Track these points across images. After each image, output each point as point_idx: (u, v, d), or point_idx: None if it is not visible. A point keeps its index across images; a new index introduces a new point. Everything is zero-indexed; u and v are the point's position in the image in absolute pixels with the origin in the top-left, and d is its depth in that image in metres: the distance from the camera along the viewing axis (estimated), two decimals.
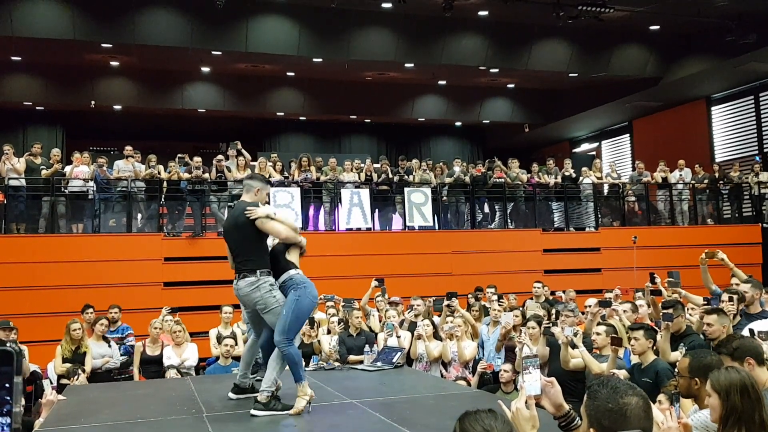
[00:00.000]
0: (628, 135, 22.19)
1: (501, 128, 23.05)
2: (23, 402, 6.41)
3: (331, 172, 13.90)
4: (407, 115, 21.20)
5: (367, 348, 7.41)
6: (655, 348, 5.44)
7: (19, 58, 16.64)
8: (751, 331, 4.95)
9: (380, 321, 8.78)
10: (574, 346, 6.06)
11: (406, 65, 17.45)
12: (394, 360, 7.02)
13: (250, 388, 5.32)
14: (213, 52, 16.31)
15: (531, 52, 17.23)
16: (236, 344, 7.86)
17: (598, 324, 6.48)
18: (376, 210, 13.92)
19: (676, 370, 4.26)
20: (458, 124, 23.08)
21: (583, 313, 8.69)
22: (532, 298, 10.62)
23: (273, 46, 15.83)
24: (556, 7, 14.31)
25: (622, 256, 13.68)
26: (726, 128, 18.90)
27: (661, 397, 4.44)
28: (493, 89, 20.75)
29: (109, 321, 8.63)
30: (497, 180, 14.43)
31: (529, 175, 14.94)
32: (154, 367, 7.97)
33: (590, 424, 2.23)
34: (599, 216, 15.27)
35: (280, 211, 5.14)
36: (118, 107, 19.01)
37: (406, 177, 14.06)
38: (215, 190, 12.72)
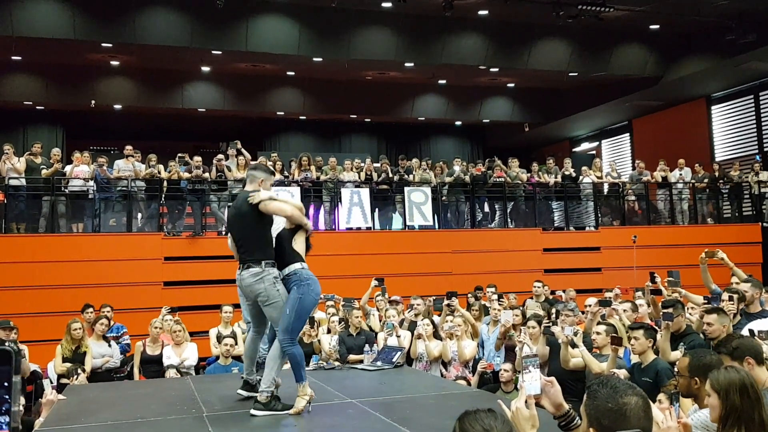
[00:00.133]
0: (628, 134, 22.18)
1: (501, 127, 23.05)
2: (23, 401, 6.41)
3: (331, 171, 13.90)
4: (407, 114, 21.20)
5: (367, 347, 7.40)
6: (655, 347, 5.44)
7: (20, 58, 16.63)
8: (751, 331, 4.95)
9: (380, 320, 8.78)
10: (574, 346, 6.06)
11: (406, 64, 17.45)
12: (394, 359, 7.02)
13: (259, 383, 5.25)
14: (213, 52, 16.31)
15: (531, 52, 17.23)
16: (236, 344, 7.86)
17: (598, 323, 6.49)
18: (376, 209, 13.92)
19: (675, 369, 4.26)
20: (458, 123, 23.08)
21: (583, 312, 8.70)
22: (532, 298, 10.63)
23: (273, 46, 15.83)
24: (556, 6, 14.31)
25: (622, 256, 13.68)
26: (726, 127, 18.90)
27: (661, 396, 4.44)
28: (493, 88, 20.74)
29: (94, 320, 8.62)
30: (497, 179, 14.44)
31: (529, 174, 14.94)
32: (154, 366, 7.97)
33: (590, 423, 2.23)
34: (599, 215, 15.27)
35: (283, 194, 5.07)
36: (118, 107, 19.01)
37: (406, 176, 14.06)
38: (215, 190, 12.73)
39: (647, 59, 17.75)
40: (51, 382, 8.19)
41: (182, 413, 5.01)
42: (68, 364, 7.71)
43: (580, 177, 15.17)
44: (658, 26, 16.71)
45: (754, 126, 18.04)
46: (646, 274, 7.97)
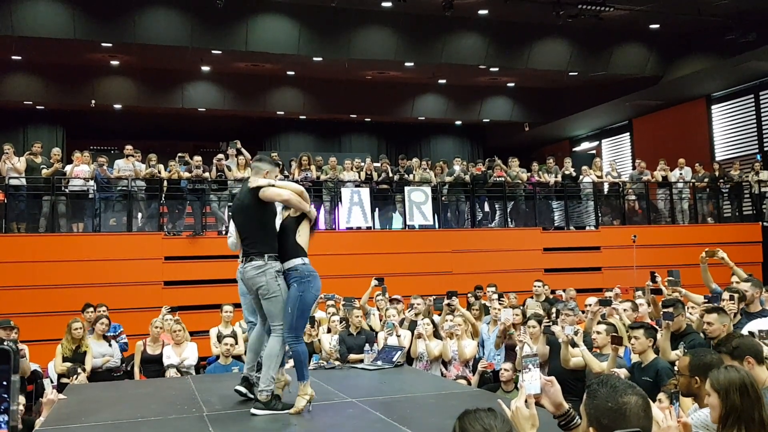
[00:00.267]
0: (628, 134, 22.18)
1: (501, 127, 23.05)
2: (24, 401, 6.42)
3: (331, 171, 13.90)
4: (407, 114, 21.21)
5: (367, 347, 7.40)
6: (655, 347, 5.44)
7: (20, 58, 16.65)
8: (751, 333, 4.95)
9: (380, 320, 8.78)
10: (574, 345, 6.06)
11: (406, 64, 17.45)
12: (394, 359, 7.02)
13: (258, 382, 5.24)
14: (213, 52, 16.32)
15: (531, 51, 17.23)
16: (236, 343, 7.87)
17: (599, 323, 6.49)
18: (376, 209, 13.92)
19: (676, 368, 4.26)
20: (458, 123, 23.08)
21: (583, 311, 8.70)
22: (532, 297, 10.63)
23: (273, 46, 15.84)
24: (556, 6, 14.32)
25: (622, 255, 13.68)
26: (726, 127, 18.89)
27: (661, 395, 4.44)
28: (493, 88, 20.75)
29: (96, 319, 8.62)
30: (497, 179, 14.44)
31: (529, 173, 14.94)
32: (154, 366, 7.97)
33: (589, 422, 2.23)
34: (599, 215, 15.26)
35: (283, 182, 5.04)
36: (118, 106, 19.02)
37: (406, 176, 14.06)
38: (215, 190, 12.73)
39: (647, 59, 17.75)
40: (51, 382, 8.19)
41: (182, 413, 5.01)
42: (68, 364, 7.70)
43: (581, 176, 15.16)
44: (658, 26, 16.72)
45: (754, 125, 18.03)
46: (646, 273, 7.96)
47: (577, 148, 24.16)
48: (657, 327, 5.94)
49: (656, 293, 7.37)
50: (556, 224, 15.09)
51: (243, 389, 5.07)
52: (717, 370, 3.22)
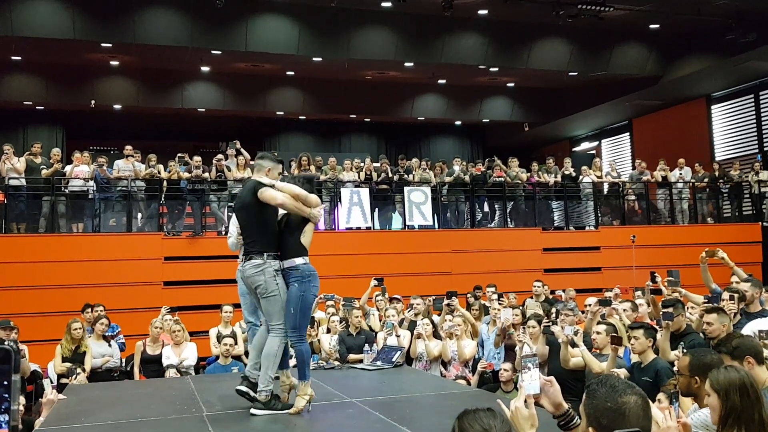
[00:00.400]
0: (628, 134, 22.18)
1: (501, 127, 23.05)
2: (24, 401, 6.42)
3: (330, 171, 13.90)
4: (407, 114, 21.21)
5: (366, 347, 7.41)
6: (655, 347, 5.45)
7: (19, 58, 16.65)
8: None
9: (380, 320, 8.78)
10: (574, 345, 6.06)
11: (406, 64, 17.45)
12: (393, 359, 7.02)
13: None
14: (213, 52, 16.32)
15: (531, 51, 17.23)
16: (236, 343, 7.87)
17: (598, 323, 6.49)
18: (376, 209, 13.92)
19: (675, 368, 4.26)
20: (458, 123, 23.08)
21: (583, 312, 8.70)
22: (531, 297, 10.63)
23: (273, 46, 15.84)
24: (555, 5, 14.32)
25: (621, 255, 13.68)
26: (726, 127, 18.90)
27: (660, 396, 4.44)
28: (492, 88, 20.75)
29: (95, 319, 8.64)
30: (497, 179, 14.44)
31: (528, 174, 14.94)
32: (154, 366, 7.97)
33: (589, 422, 2.23)
34: (599, 215, 15.26)
35: (284, 183, 5.02)
36: (118, 107, 19.02)
37: (405, 176, 14.05)
38: (215, 190, 12.73)
39: (647, 59, 17.76)
40: (51, 382, 8.19)
41: (182, 413, 5.01)
42: (68, 364, 7.71)
43: (580, 177, 15.16)
44: (658, 26, 16.72)
45: (754, 125, 18.04)
46: (646, 273, 7.96)
47: (576, 148, 24.16)
48: (657, 327, 5.94)
49: (656, 293, 7.36)
50: (555, 224, 15.09)
51: (244, 388, 5.01)
52: (717, 370, 3.22)
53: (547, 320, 7.09)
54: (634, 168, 16.63)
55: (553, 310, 8.06)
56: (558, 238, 14.67)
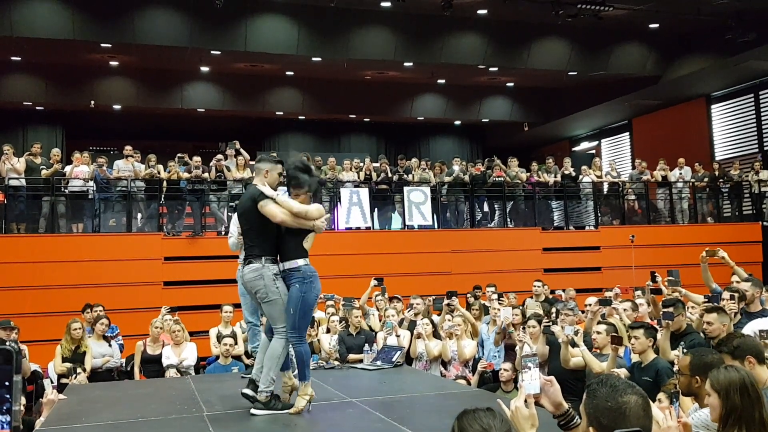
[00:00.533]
0: (627, 133, 22.17)
1: (500, 127, 23.04)
2: (24, 401, 6.42)
3: (330, 171, 13.91)
4: (406, 114, 21.20)
5: (366, 347, 7.41)
6: (655, 347, 5.45)
7: (19, 58, 16.64)
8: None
9: (380, 320, 8.79)
10: (574, 345, 6.07)
11: (406, 64, 17.45)
12: (393, 359, 7.02)
13: None
14: (212, 52, 16.32)
15: (530, 51, 17.23)
16: (236, 343, 7.87)
17: (599, 323, 6.49)
18: (376, 209, 13.92)
19: (676, 368, 4.26)
20: (457, 122, 23.08)
21: (583, 311, 8.70)
22: (531, 297, 10.63)
23: (272, 46, 15.84)
24: (555, 5, 14.32)
25: (621, 255, 13.68)
26: (726, 126, 18.89)
27: (660, 395, 4.44)
28: (492, 88, 20.75)
29: (94, 320, 8.65)
30: (497, 179, 14.44)
31: (528, 173, 14.94)
32: (154, 366, 7.98)
33: (589, 422, 2.23)
34: (599, 214, 15.27)
35: (285, 196, 4.99)
36: (117, 107, 19.01)
37: (405, 176, 14.06)
38: (215, 190, 12.74)
39: (647, 58, 17.76)
40: (51, 382, 8.19)
41: (183, 413, 5.01)
42: (68, 364, 7.71)
43: (580, 176, 15.16)
44: (657, 25, 16.72)
45: (754, 125, 18.04)
46: (645, 273, 7.97)
47: (576, 148, 24.16)
48: (657, 327, 5.94)
49: (656, 293, 7.37)
50: (555, 224, 15.10)
51: (250, 392, 4.96)
52: (717, 370, 3.22)
53: (547, 320, 7.09)
54: (633, 168, 16.64)
55: (553, 309, 8.06)
56: (558, 238, 14.68)
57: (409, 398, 5.63)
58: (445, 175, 14.53)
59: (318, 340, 7.98)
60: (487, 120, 22.12)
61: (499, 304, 8.46)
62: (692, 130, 19.24)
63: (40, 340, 9.36)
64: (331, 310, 8.82)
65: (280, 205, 4.82)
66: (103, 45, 15.64)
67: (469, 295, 10.21)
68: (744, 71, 16.94)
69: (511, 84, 20.50)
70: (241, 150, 13.00)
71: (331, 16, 15.35)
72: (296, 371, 4.99)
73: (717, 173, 15.89)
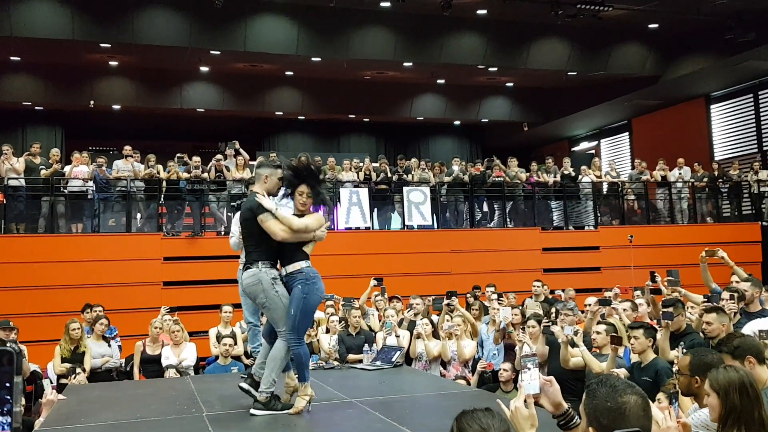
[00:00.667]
0: (627, 133, 22.18)
1: (500, 127, 23.04)
2: (23, 402, 6.42)
3: (329, 171, 13.91)
4: (406, 114, 21.20)
5: (366, 347, 7.41)
6: (654, 347, 5.45)
7: (18, 58, 16.63)
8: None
9: (379, 320, 8.79)
10: (574, 345, 6.07)
11: (405, 64, 17.45)
12: (393, 359, 7.02)
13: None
14: (212, 52, 16.31)
15: (530, 51, 17.23)
16: (235, 344, 7.87)
17: (598, 323, 6.49)
18: (375, 209, 13.92)
19: (675, 368, 4.26)
20: (457, 123, 23.07)
21: (582, 311, 8.70)
22: (531, 297, 10.63)
23: (272, 46, 15.83)
24: (554, 5, 14.32)
25: (621, 255, 13.68)
26: (725, 126, 18.90)
27: (660, 395, 4.45)
28: (491, 88, 20.75)
29: (94, 320, 8.65)
30: (496, 179, 14.44)
31: (528, 173, 14.95)
32: (154, 366, 7.97)
33: (589, 422, 2.23)
34: (598, 214, 15.27)
35: (284, 210, 4.96)
36: (117, 107, 19.00)
37: (404, 176, 14.06)
38: (214, 190, 12.74)
39: (646, 58, 17.76)
40: (51, 382, 8.19)
41: (182, 413, 5.01)
42: (67, 365, 7.71)
43: (579, 176, 15.17)
44: (657, 25, 16.72)
45: (754, 125, 18.05)
46: (644, 273, 7.97)
47: (576, 148, 24.16)
48: (657, 327, 5.94)
49: (656, 293, 7.37)
50: (555, 224, 15.10)
51: (246, 386, 4.98)
52: (716, 370, 3.22)
53: (547, 320, 7.10)
54: (633, 168, 16.64)
55: (553, 310, 8.07)
56: (557, 238, 14.68)
57: (409, 398, 5.64)
58: (444, 175, 14.53)
59: (317, 341, 7.98)
60: (486, 120, 22.11)
61: (499, 304, 8.46)
62: (692, 130, 19.25)
63: (40, 340, 9.37)
64: (330, 311, 8.82)
65: (280, 221, 4.79)
66: (102, 45, 15.63)
67: (468, 295, 10.21)
68: (743, 71, 16.95)
69: (511, 84, 20.50)
70: (241, 150, 13.00)
71: (330, 16, 15.35)
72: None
73: (716, 173, 15.90)
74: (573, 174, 15.18)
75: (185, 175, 12.57)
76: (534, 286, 10.73)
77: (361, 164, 14.33)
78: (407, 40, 16.45)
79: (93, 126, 20.42)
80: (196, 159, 12.74)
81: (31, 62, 17.00)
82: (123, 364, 8.52)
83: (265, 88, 19.26)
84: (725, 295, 6.11)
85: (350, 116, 21.47)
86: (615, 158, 21.14)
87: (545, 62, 17.49)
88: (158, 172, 12.69)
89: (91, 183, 12.21)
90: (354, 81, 19.22)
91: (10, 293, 10.95)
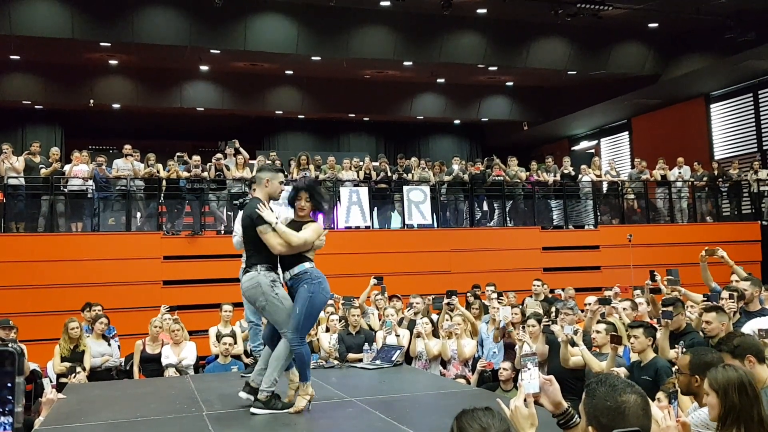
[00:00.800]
0: (627, 133, 22.18)
1: (500, 126, 23.05)
2: (23, 401, 6.42)
3: (329, 170, 13.91)
4: (406, 113, 21.20)
5: (366, 346, 7.41)
6: (654, 346, 5.45)
7: (18, 57, 16.62)
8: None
9: (379, 319, 8.79)
10: (573, 344, 6.07)
11: (405, 63, 17.45)
12: (393, 358, 7.02)
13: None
14: (212, 51, 16.30)
15: (530, 50, 17.23)
16: (235, 343, 7.87)
17: (598, 322, 6.49)
18: (375, 208, 13.92)
19: (675, 367, 4.27)
20: (457, 122, 23.08)
21: (582, 311, 8.71)
22: (531, 296, 10.63)
23: (272, 45, 15.83)
24: (554, 4, 14.33)
25: (621, 254, 13.68)
26: (725, 126, 18.90)
27: (659, 395, 4.45)
28: (491, 87, 20.74)
29: (93, 319, 8.65)
30: (496, 178, 14.44)
31: (528, 173, 14.94)
32: (153, 365, 7.98)
33: (588, 421, 2.23)
34: (598, 214, 15.27)
35: (283, 210, 4.94)
36: (117, 106, 19.00)
37: (404, 175, 14.06)
38: (214, 189, 12.74)
39: (646, 57, 17.76)
40: (51, 381, 8.20)
41: (182, 412, 5.01)
42: (67, 364, 7.71)
43: (579, 175, 15.16)
44: (656, 24, 16.72)
45: (753, 124, 18.05)
46: (644, 272, 7.98)
47: (575, 147, 24.16)
48: (657, 326, 5.95)
49: (655, 292, 7.38)
50: (554, 223, 15.11)
51: (245, 395, 4.97)
52: (715, 369, 3.22)
53: (547, 319, 7.10)
54: (633, 167, 16.64)
55: (553, 309, 8.08)
56: (557, 237, 14.68)
57: (409, 397, 5.64)
58: (444, 174, 14.53)
59: (317, 340, 7.99)
60: (486, 119, 22.11)
61: (499, 303, 8.47)
62: (691, 129, 19.25)
63: (39, 339, 9.37)
64: (330, 309, 8.82)
65: (279, 235, 4.77)
66: (102, 44, 15.63)
67: (468, 294, 10.21)
68: (743, 70, 16.95)
69: (511, 83, 20.49)
70: (241, 149, 13.00)
71: (330, 16, 15.35)
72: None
73: (716, 172, 15.90)
74: (573, 173, 15.17)
75: (185, 174, 12.57)
76: (534, 285, 10.73)
77: (361, 163, 14.34)
78: (407, 39, 16.45)
79: (93, 125, 20.42)
80: (196, 158, 12.74)
81: (30, 61, 16.99)
82: (123, 363, 8.52)
83: (265, 87, 19.27)
84: (725, 294, 6.12)
85: (350, 115, 21.48)
86: (615, 157, 21.16)
87: (545, 61, 17.49)
88: (158, 171, 12.69)
89: (90, 182, 12.22)
90: (354, 80, 19.22)
91: (9, 292, 10.95)
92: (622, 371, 5.11)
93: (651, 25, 16.77)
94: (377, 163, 14.55)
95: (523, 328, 6.89)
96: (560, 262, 13.97)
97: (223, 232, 12.72)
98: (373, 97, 20.14)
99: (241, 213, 5.55)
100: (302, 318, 4.78)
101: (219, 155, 12.87)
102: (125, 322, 9.94)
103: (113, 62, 17.50)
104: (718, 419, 3.12)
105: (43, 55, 16.49)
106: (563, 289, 11.45)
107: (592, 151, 22.91)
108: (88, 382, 7.40)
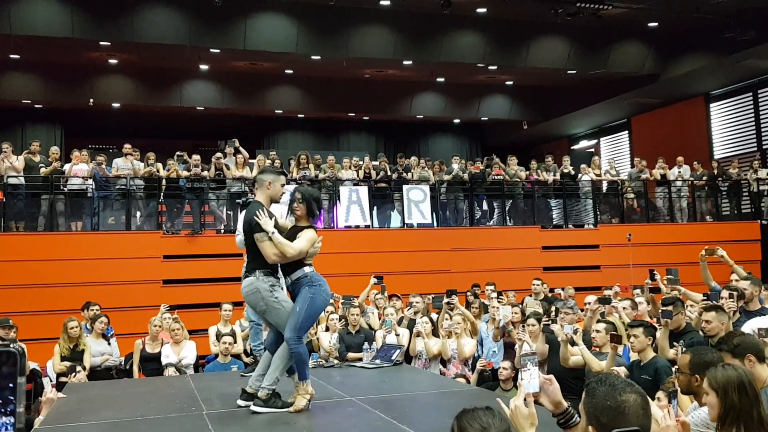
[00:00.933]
0: (626, 132, 22.18)
1: (499, 125, 23.05)
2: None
3: (329, 169, 13.90)
4: (406, 112, 21.19)
5: (366, 345, 7.41)
6: (654, 345, 5.46)
7: (18, 56, 16.61)
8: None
9: (379, 318, 8.79)
10: (573, 344, 6.07)
11: (405, 62, 17.45)
12: (393, 357, 7.03)
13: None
14: (211, 50, 16.30)
15: (529, 49, 17.23)
16: (235, 342, 7.88)
17: (598, 321, 6.49)
18: (375, 207, 13.92)
19: (675, 366, 4.27)
20: (457, 121, 23.08)
21: (582, 310, 8.71)
22: (531, 296, 10.63)
23: (271, 44, 15.83)
24: (554, 4, 14.33)
25: (620, 253, 13.67)
26: (725, 125, 18.91)
27: (659, 394, 4.45)
28: (491, 86, 20.74)
29: (93, 318, 8.64)
30: (496, 177, 14.44)
31: (527, 172, 14.94)
32: (153, 364, 7.98)
33: (588, 421, 2.23)
34: (598, 213, 15.27)
35: (282, 209, 4.95)
36: (116, 105, 19.00)
37: (404, 174, 14.06)
38: (214, 188, 12.73)
39: (646, 57, 17.76)
40: (50, 381, 8.20)
41: (182, 411, 5.01)
42: (67, 363, 7.72)
43: (579, 175, 15.16)
44: (656, 24, 16.72)
45: (753, 123, 18.05)
46: (643, 271, 7.98)
47: (575, 147, 24.16)
48: (657, 325, 5.95)
49: (655, 291, 7.38)
50: (554, 222, 15.10)
51: (243, 403, 4.98)
52: (714, 368, 3.22)
53: (547, 319, 7.11)
54: (632, 166, 16.64)
55: (553, 308, 8.08)
56: (557, 237, 14.68)
57: (409, 397, 5.64)
58: (444, 174, 14.53)
59: (317, 339, 7.99)
60: (486, 118, 22.11)
61: (499, 302, 8.47)
62: (691, 128, 19.25)
63: (39, 338, 9.36)
64: (330, 309, 8.82)
65: (275, 245, 4.77)
66: (102, 43, 15.62)
67: (468, 294, 10.21)
68: (743, 70, 16.95)
69: (511, 82, 20.49)
70: (240, 148, 12.99)
71: (330, 15, 15.35)
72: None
73: (716, 172, 15.90)
74: (573, 172, 15.16)
75: (185, 173, 12.57)
76: (534, 285, 10.73)
77: (361, 162, 14.33)
78: (407, 38, 16.45)
79: (92, 124, 20.43)
80: (196, 157, 12.73)
81: (30, 60, 16.98)
82: (122, 363, 8.53)
83: (264, 86, 19.27)
84: (725, 293, 6.12)
85: (350, 114, 21.48)
86: (614, 156, 21.16)
87: (545, 61, 17.49)
88: (158, 171, 12.69)
89: (90, 181, 12.21)
90: (354, 79, 19.22)
91: (9, 291, 10.95)
92: (621, 371, 5.11)
93: (651, 24, 16.77)
94: (377, 163, 14.55)
95: (523, 327, 6.88)
96: (560, 261, 13.97)
97: (222, 231, 12.72)
98: (373, 96, 20.14)
99: (244, 213, 5.55)
100: (302, 317, 4.79)
101: (219, 154, 12.86)
102: (125, 322, 9.93)
103: (113, 61, 17.50)
104: (717, 419, 3.12)
105: (43, 55, 16.49)
106: (563, 289, 11.45)
107: (592, 150, 22.93)
108: (87, 381, 7.40)
